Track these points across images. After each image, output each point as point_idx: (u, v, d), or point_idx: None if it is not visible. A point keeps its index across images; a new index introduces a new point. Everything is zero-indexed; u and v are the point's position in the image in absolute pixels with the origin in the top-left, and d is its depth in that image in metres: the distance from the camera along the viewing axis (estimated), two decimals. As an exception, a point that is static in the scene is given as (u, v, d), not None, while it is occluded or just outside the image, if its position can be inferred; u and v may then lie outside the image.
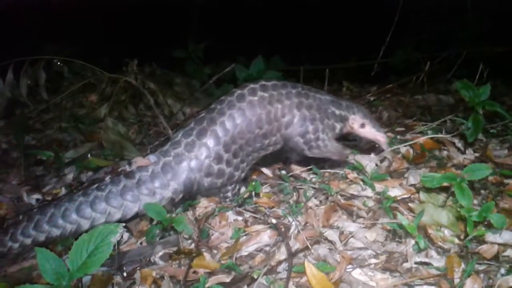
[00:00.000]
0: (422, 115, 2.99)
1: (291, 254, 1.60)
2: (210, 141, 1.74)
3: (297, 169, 2.17)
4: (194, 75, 3.06)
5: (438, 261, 1.56)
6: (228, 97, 1.82)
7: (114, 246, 1.68)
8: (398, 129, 2.63)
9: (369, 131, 2.00)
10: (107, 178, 1.80)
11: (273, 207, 1.91)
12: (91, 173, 2.30)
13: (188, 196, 1.88)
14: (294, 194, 1.98)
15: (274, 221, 1.78)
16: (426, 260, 1.57)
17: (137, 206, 1.69)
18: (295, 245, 1.67)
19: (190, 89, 3.02)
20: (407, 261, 1.57)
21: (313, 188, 2.00)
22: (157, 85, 2.78)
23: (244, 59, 3.09)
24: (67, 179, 2.35)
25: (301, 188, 2.01)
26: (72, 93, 3.11)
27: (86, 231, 1.34)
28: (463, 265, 1.52)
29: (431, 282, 1.48)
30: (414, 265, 1.56)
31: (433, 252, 1.61)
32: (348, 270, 1.54)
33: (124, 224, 1.43)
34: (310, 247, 1.65)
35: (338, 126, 1.94)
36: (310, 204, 1.90)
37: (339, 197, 1.92)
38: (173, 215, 1.78)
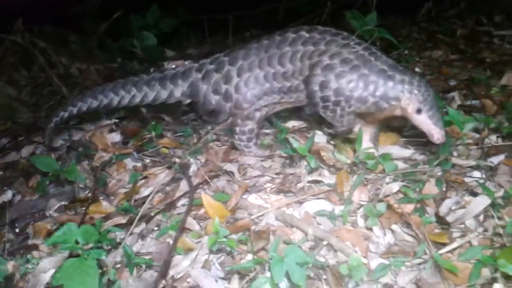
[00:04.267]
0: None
1: (192, 188, 1.61)
2: (226, 59, 1.70)
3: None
4: (90, 32, 2.93)
5: (329, 179, 1.62)
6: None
7: (5, 203, 1.63)
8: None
9: (424, 121, 1.51)
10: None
11: (175, 147, 1.89)
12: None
13: (202, 112, 1.88)
14: (195, 136, 1.97)
15: (178, 160, 1.77)
16: (319, 178, 1.63)
17: (153, 95, 1.80)
18: (195, 181, 1.68)
19: (86, 46, 2.89)
20: (300, 181, 1.63)
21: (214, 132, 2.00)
22: (49, 44, 2.64)
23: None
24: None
25: (202, 130, 2.00)
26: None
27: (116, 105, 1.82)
28: (352, 179, 1.60)
29: (322, 197, 1.55)
30: (307, 184, 1.61)
31: (325, 172, 1.67)
32: (244, 197, 1.57)
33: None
34: (209, 180, 1.66)
35: (381, 104, 1.54)
36: (211, 144, 1.90)
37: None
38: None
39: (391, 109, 1.55)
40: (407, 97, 1.50)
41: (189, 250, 1.38)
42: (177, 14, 3.09)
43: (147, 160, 1.85)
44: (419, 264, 1.26)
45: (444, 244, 1.30)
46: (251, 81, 1.67)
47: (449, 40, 2.85)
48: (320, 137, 1.82)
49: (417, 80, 1.51)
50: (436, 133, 1.50)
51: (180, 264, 1.33)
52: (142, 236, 1.47)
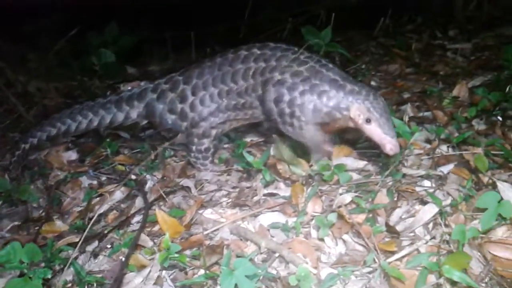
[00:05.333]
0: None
1: (146, 205, 1.60)
2: (181, 78, 1.71)
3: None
4: (50, 48, 2.91)
5: (285, 191, 1.64)
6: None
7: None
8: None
9: (375, 131, 1.51)
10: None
11: (132, 164, 1.89)
12: None
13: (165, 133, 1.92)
14: (152, 152, 1.97)
15: (133, 177, 1.76)
16: (275, 191, 1.65)
17: (109, 118, 1.80)
18: (151, 198, 1.67)
19: (45, 64, 2.86)
20: (256, 195, 1.64)
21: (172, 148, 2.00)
22: (6, 62, 2.60)
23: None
24: None
25: (159, 146, 2.00)
26: None
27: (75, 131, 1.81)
28: (307, 191, 1.62)
29: (276, 210, 1.56)
30: (263, 198, 1.63)
31: (281, 185, 1.69)
32: (200, 212, 1.57)
33: None
34: (165, 196, 1.66)
35: (334, 114, 1.55)
36: (168, 160, 1.90)
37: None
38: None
39: (344, 119, 1.56)
40: (356, 107, 1.51)
41: (142, 267, 1.37)
42: (137, 31, 3.11)
43: (103, 178, 1.84)
44: (369, 273, 1.28)
45: (393, 253, 1.33)
46: (206, 99, 1.68)
47: (405, 54, 2.93)
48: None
49: (366, 90, 1.53)
50: (387, 143, 1.49)
51: (133, 281, 1.32)
52: (94, 254, 1.46)
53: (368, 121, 1.51)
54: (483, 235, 1.34)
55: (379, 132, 1.50)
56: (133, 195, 1.71)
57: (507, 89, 1.98)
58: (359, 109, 1.50)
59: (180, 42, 3.75)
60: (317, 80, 1.55)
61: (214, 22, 4.16)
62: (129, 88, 1.93)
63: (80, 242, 1.41)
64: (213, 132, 1.73)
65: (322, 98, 1.54)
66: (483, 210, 1.34)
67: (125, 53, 2.93)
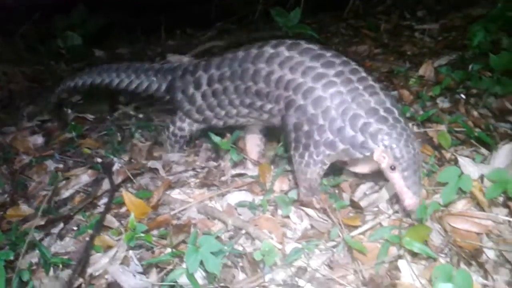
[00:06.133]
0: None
1: (113, 187, 1.59)
2: (203, 64, 1.62)
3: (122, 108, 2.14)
4: (15, 32, 2.84)
5: (253, 171, 1.65)
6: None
7: None
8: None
9: (397, 181, 1.29)
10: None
11: (98, 147, 1.87)
12: None
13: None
14: (119, 134, 1.96)
15: (99, 160, 1.75)
16: (243, 171, 1.66)
17: (146, 85, 1.77)
18: (118, 180, 1.66)
19: (13, 49, 2.80)
20: (224, 175, 1.65)
21: (139, 126, 1.99)
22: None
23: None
24: None
25: (126, 128, 1.99)
26: None
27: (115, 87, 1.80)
28: (274, 171, 1.64)
29: (244, 189, 1.58)
30: (231, 178, 1.64)
31: (249, 164, 1.70)
32: (167, 192, 1.57)
33: None
34: (132, 178, 1.65)
35: (352, 153, 1.32)
36: (135, 141, 1.89)
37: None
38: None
39: (365, 159, 1.35)
40: (382, 150, 1.29)
41: (108, 247, 1.37)
42: (106, 14, 3.05)
43: (70, 162, 1.81)
44: (333, 247, 1.31)
45: (357, 227, 1.35)
46: (218, 92, 1.55)
47: (374, 35, 2.96)
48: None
49: (397, 132, 1.27)
50: (407, 198, 1.28)
51: (99, 262, 1.32)
52: (60, 236, 1.45)
53: (392, 168, 1.29)
54: (444, 208, 1.38)
55: (402, 184, 1.29)
56: (100, 178, 1.70)
57: (470, 67, 2.02)
58: (386, 152, 1.28)
59: (150, 24, 3.70)
60: (339, 113, 1.31)
61: (185, 5, 4.12)
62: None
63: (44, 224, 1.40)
64: (219, 123, 1.62)
65: (343, 135, 1.31)
66: (445, 184, 1.37)
67: (92, 36, 2.87)
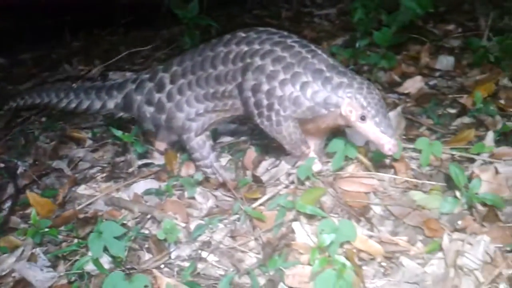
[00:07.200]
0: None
1: (16, 189, 1.59)
2: (161, 67, 1.56)
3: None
4: None
5: (159, 160, 1.70)
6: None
7: None
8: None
9: (371, 129, 1.31)
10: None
11: (1, 153, 1.84)
12: None
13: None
14: (23, 138, 1.93)
15: (2, 165, 1.72)
16: (150, 161, 1.70)
17: (87, 104, 1.69)
18: (23, 182, 1.65)
19: None
20: (131, 167, 1.68)
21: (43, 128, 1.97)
22: None
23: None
24: None
25: (30, 132, 1.96)
26: None
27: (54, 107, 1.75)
28: (180, 157, 1.69)
29: (152, 178, 1.62)
30: (138, 169, 1.67)
31: (155, 154, 1.74)
32: (73, 189, 1.59)
33: None
34: (37, 179, 1.65)
35: (318, 110, 1.33)
36: (39, 143, 1.87)
37: (67, 128, 1.94)
38: None
39: (332, 116, 1.36)
40: (348, 102, 1.30)
41: (15, 247, 1.37)
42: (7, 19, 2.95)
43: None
44: (236, 220, 1.39)
45: (257, 199, 1.44)
46: (184, 88, 1.50)
47: (277, 23, 3.08)
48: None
49: (357, 82, 1.31)
50: (386, 143, 1.30)
51: (6, 262, 1.32)
52: (-37, 243, 1.42)
53: (362, 118, 1.30)
54: (336, 174, 1.50)
55: (376, 131, 1.30)
56: (5, 183, 1.67)
57: (357, 44, 2.18)
58: (351, 105, 1.30)
59: (54, 28, 3.61)
60: (301, 68, 1.34)
61: (89, 6, 4.04)
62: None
63: None
64: (193, 125, 1.53)
65: (305, 91, 1.33)
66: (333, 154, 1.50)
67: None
